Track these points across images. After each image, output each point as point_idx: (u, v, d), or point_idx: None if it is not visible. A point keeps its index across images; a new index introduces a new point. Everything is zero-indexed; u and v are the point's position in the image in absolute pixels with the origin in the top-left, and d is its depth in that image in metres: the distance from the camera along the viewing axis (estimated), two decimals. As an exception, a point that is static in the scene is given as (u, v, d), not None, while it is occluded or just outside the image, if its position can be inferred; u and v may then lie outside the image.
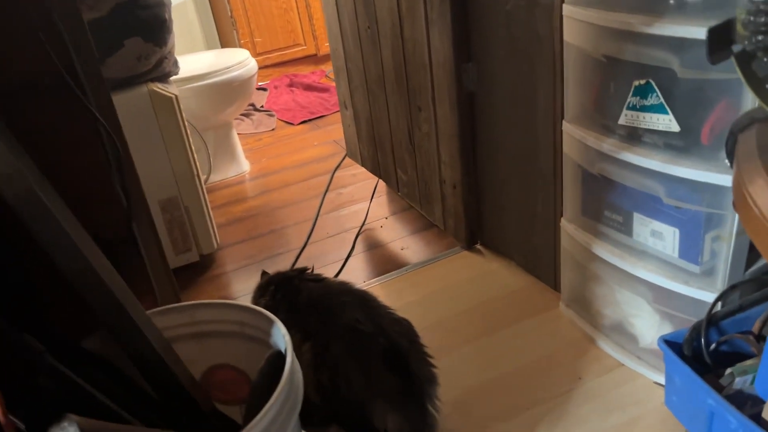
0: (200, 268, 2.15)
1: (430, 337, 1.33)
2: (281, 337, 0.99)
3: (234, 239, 2.35)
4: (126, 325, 0.95)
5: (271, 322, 1.02)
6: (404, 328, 1.31)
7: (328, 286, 1.39)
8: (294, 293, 1.36)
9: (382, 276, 1.96)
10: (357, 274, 2.02)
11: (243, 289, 2.02)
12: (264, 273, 1.52)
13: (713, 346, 1.24)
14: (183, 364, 1.03)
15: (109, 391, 0.92)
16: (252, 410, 0.87)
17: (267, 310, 1.36)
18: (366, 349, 1.25)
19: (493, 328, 1.64)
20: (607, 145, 1.31)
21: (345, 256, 2.12)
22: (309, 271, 1.46)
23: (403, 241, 2.18)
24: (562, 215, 1.56)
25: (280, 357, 0.98)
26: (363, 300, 1.34)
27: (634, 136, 1.28)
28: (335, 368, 1.24)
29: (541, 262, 1.75)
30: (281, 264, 2.13)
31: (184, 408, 1.00)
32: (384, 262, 2.07)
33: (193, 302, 1.09)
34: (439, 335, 1.58)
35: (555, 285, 1.71)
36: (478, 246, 2.01)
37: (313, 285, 1.38)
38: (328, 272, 2.03)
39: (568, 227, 1.53)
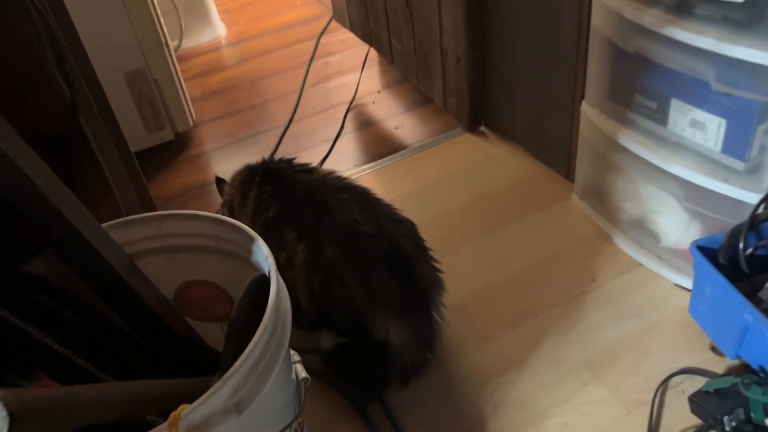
0: (176, 148, 1.96)
1: (429, 234, 1.20)
2: (263, 257, 0.83)
3: (211, 115, 2.13)
4: (74, 241, 0.80)
5: (251, 239, 0.86)
6: (408, 229, 1.18)
7: (323, 179, 1.22)
8: (287, 185, 1.20)
9: (375, 162, 1.79)
10: (347, 157, 1.85)
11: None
12: (218, 178, 1.38)
13: (749, 251, 1.12)
14: (150, 282, 0.89)
15: (56, 322, 0.78)
16: (230, 354, 0.74)
17: (257, 204, 1.22)
18: (365, 252, 1.11)
19: (497, 223, 1.50)
20: (649, 17, 1.10)
21: (333, 136, 1.93)
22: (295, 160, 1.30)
23: (397, 119, 1.98)
24: (582, 98, 1.37)
25: (263, 279, 0.84)
26: (363, 197, 1.19)
27: (685, 7, 1.06)
28: (328, 272, 1.11)
29: (552, 148, 1.58)
30: (264, 143, 1.95)
31: (154, 334, 0.87)
32: (376, 142, 1.89)
33: (159, 213, 0.92)
34: (439, 231, 1.43)
35: (567, 174, 1.55)
36: (482, 128, 1.81)
37: (307, 177, 1.22)
38: (316, 154, 1.86)
39: (589, 112, 1.34)
